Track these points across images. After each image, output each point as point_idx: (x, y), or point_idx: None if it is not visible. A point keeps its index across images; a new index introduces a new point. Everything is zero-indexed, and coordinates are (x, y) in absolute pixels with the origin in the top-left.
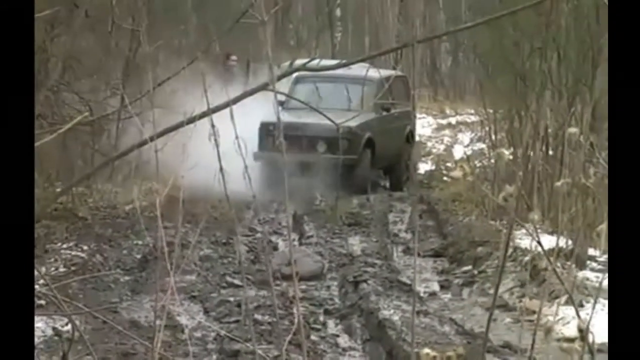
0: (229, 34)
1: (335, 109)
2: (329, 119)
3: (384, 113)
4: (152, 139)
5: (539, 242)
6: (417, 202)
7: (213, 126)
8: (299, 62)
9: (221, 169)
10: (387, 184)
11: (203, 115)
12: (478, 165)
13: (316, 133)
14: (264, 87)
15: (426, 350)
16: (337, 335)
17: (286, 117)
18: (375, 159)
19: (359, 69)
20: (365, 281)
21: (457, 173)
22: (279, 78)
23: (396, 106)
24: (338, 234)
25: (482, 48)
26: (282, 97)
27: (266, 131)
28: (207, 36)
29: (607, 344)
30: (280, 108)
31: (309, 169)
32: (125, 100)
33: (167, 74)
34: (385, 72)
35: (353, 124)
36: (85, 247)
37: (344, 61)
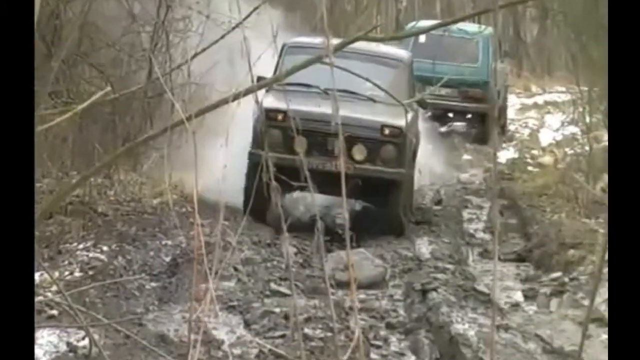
0: None
1: (352, 98)
2: (400, 103)
3: (420, 111)
4: (188, 119)
5: None
6: (497, 196)
7: (257, 102)
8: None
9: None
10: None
11: (248, 91)
12: (569, 152)
13: (352, 131)
14: (318, 60)
15: None
16: (402, 354)
17: (295, 104)
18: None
19: (377, 46)
20: (435, 289)
21: (546, 159)
22: (337, 48)
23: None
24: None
25: (574, 14)
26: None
27: (269, 122)
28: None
29: None
30: (264, 91)
31: (338, 185)
32: (155, 73)
33: (203, 43)
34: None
35: (400, 122)
36: (105, 248)
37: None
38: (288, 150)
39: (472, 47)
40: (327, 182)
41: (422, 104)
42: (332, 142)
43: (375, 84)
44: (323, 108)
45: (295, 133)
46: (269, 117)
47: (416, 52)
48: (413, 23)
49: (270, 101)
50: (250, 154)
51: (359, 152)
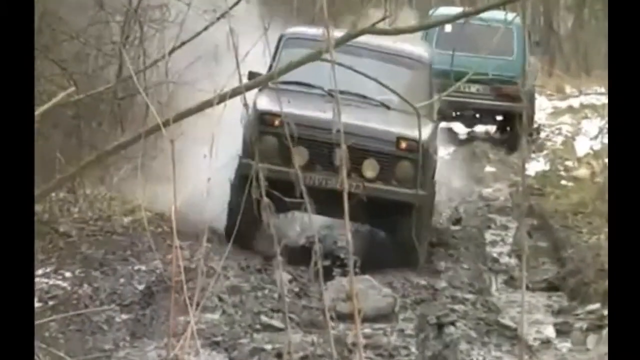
0: None
1: (364, 103)
2: (414, 108)
3: (441, 122)
4: (165, 124)
5: None
6: (525, 214)
7: (246, 105)
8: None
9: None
10: None
11: (236, 91)
12: None
13: (363, 143)
14: (318, 56)
15: None
16: None
17: (295, 107)
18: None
19: (392, 41)
20: (452, 323)
21: (582, 172)
22: (339, 42)
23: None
24: None
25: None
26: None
27: (263, 127)
28: None
29: None
30: (256, 90)
31: (340, 204)
32: (127, 70)
33: (182, 36)
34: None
35: (420, 134)
36: (67, 274)
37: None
38: (285, 162)
39: (507, 38)
40: (330, 202)
41: (445, 113)
42: (335, 155)
43: (384, 85)
44: (328, 113)
45: (293, 142)
46: (263, 121)
47: (442, 44)
48: (432, 10)
49: (265, 102)
50: (241, 164)
51: (371, 168)
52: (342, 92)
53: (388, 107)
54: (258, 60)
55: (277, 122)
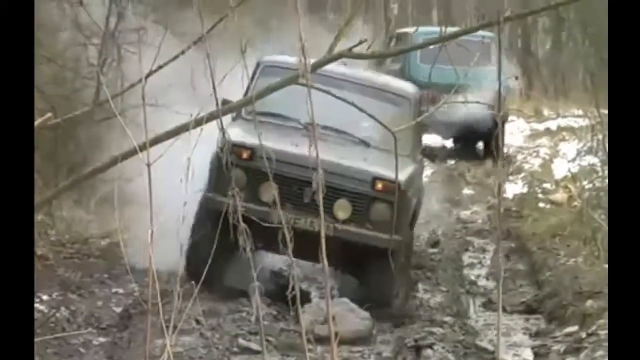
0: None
1: (342, 140)
2: (392, 133)
3: (424, 161)
4: (142, 148)
5: None
6: (503, 237)
7: (222, 130)
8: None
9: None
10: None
11: (212, 117)
12: (588, 187)
13: (336, 182)
14: (294, 81)
15: None
16: None
17: (267, 140)
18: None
19: (378, 76)
20: (430, 346)
21: (559, 196)
22: (316, 67)
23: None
24: None
25: (595, 24)
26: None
27: (231, 159)
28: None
29: None
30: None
31: (313, 249)
32: (105, 94)
33: (161, 59)
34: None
35: (399, 175)
36: (45, 298)
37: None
38: (252, 199)
39: (489, 50)
40: (298, 244)
41: (430, 155)
42: (311, 194)
43: (362, 110)
44: (302, 148)
45: (264, 177)
46: (231, 153)
47: (426, 58)
48: (414, 28)
49: (235, 134)
50: (205, 199)
51: (343, 210)
52: (319, 127)
53: (368, 145)
54: (235, 87)
55: (245, 155)
